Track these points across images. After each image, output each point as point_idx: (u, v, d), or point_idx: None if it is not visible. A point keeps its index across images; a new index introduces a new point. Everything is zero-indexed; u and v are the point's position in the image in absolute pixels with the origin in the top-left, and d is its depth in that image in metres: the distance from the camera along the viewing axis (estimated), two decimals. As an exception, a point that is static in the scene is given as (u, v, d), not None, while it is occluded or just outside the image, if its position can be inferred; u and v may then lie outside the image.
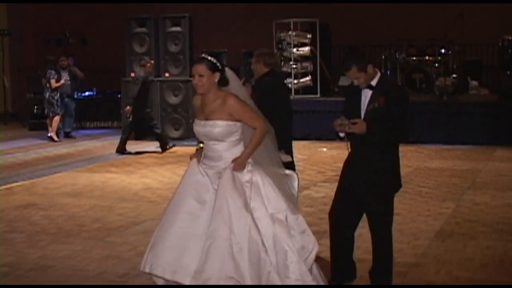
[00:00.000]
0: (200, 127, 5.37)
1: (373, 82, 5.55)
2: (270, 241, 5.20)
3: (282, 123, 7.46)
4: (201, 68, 5.23)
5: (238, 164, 5.31)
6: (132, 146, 15.82)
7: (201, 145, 5.61)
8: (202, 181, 5.42)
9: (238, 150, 5.40)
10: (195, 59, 5.33)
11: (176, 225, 5.36)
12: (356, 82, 5.54)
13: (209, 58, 5.26)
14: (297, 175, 5.73)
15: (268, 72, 8.08)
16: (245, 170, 5.34)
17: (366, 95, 5.56)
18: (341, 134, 5.58)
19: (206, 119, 5.33)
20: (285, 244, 5.23)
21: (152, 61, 15.52)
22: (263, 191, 5.34)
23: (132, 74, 16.46)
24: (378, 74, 5.59)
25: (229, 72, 5.43)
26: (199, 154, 5.59)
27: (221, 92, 5.33)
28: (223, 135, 5.31)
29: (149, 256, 5.49)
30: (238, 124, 5.36)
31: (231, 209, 5.16)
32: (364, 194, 5.58)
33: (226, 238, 5.12)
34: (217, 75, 5.29)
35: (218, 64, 5.30)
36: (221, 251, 5.11)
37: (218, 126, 5.27)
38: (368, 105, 5.52)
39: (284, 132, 7.47)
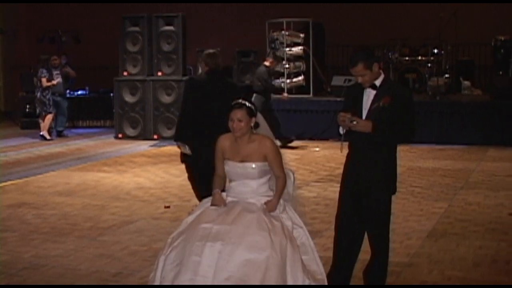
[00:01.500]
0: (237, 168, 5.48)
1: (377, 82, 5.54)
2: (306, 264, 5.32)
3: (207, 122, 7.66)
4: (241, 114, 5.44)
5: (272, 207, 5.42)
6: (126, 145, 15.84)
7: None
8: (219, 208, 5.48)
9: (267, 187, 5.55)
10: (234, 104, 5.48)
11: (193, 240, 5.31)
12: (360, 80, 5.52)
13: (248, 104, 5.49)
14: (293, 173, 5.74)
15: (207, 72, 8.11)
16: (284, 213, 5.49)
17: (369, 94, 5.54)
18: (341, 131, 5.56)
19: (243, 161, 5.46)
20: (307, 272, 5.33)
21: (271, 58, 15.41)
22: (297, 218, 5.52)
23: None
24: (382, 75, 5.58)
25: (258, 116, 5.64)
26: (220, 200, 5.56)
27: (255, 135, 5.54)
28: (261, 174, 5.48)
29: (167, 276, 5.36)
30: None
31: (273, 239, 5.18)
32: (369, 194, 5.55)
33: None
34: (253, 120, 5.52)
35: (255, 110, 5.53)
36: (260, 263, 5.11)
37: (258, 167, 5.45)
38: (372, 104, 5.49)
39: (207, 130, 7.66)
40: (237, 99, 5.56)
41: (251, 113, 5.48)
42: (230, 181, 5.61)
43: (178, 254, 5.28)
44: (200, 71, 8.42)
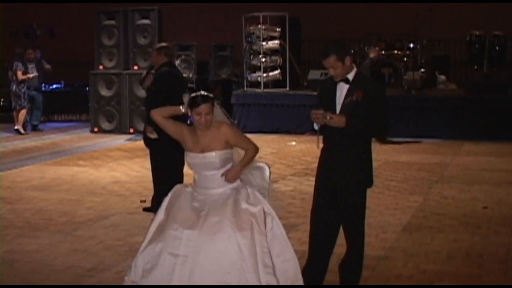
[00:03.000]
0: (198, 159, 5.41)
1: (350, 76, 5.55)
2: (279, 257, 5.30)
3: None
4: (208, 108, 5.36)
5: (232, 176, 5.39)
6: (101, 139, 15.79)
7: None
8: (188, 212, 5.40)
9: None
10: (198, 98, 5.34)
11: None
12: (332, 72, 5.52)
13: (210, 96, 5.43)
14: (269, 167, 5.73)
15: (168, 62, 8.78)
16: (255, 202, 5.40)
17: (342, 89, 5.54)
18: (315, 127, 5.56)
19: (203, 151, 5.39)
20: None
21: (377, 48, 15.24)
22: (269, 207, 5.45)
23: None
24: (355, 69, 5.59)
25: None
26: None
27: (213, 122, 5.44)
28: (222, 163, 5.41)
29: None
30: (231, 151, 5.48)
31: (241, 244, 5.13)
32: (344, 188, 5.56)
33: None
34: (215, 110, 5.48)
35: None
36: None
37: (219, 156, 5.38)
38: (345, 99, 5.50)
39: None
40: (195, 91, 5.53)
41: (213, 105, 5.42)
42: (194, 174, 5.54)
43: (153, 258, 5.24)
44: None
